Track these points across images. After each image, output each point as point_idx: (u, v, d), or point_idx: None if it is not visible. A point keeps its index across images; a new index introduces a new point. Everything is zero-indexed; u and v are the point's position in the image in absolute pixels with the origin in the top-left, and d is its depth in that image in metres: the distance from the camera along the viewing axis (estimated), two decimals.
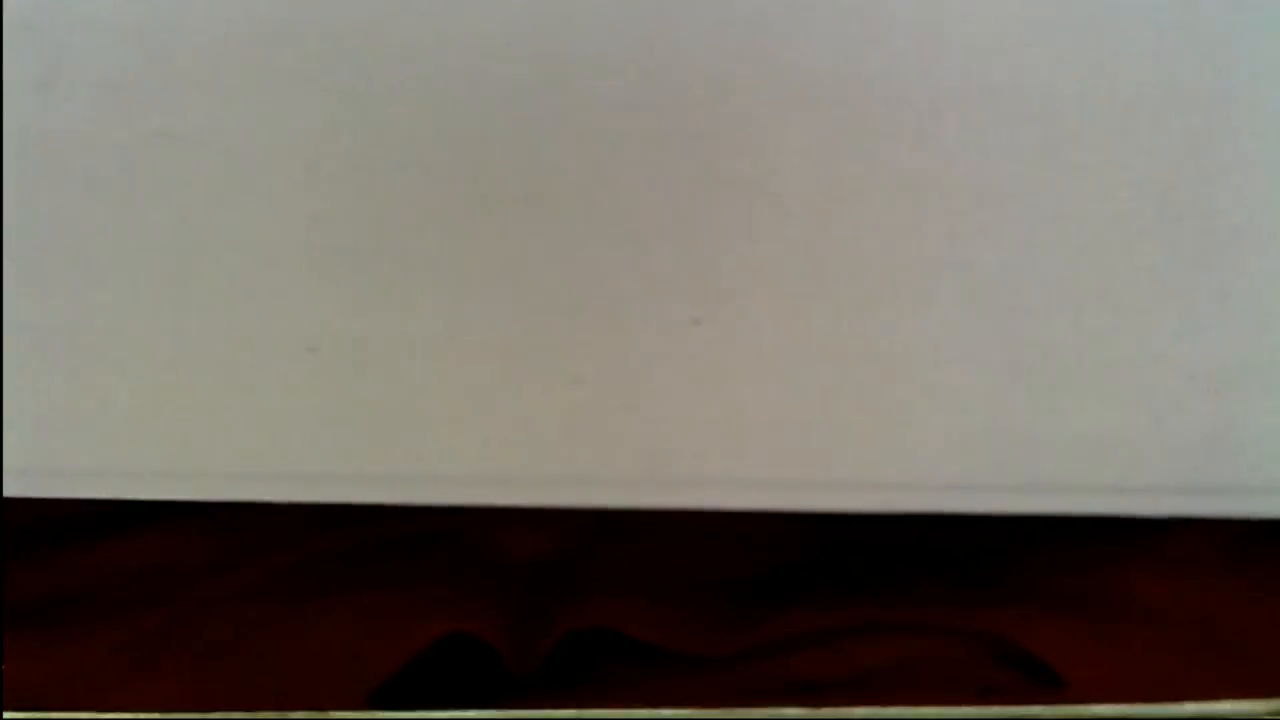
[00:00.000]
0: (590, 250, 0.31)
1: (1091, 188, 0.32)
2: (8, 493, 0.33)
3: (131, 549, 0.38)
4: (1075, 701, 0.36)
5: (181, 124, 0.30)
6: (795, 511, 0.33)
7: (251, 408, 0.32)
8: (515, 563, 0.39)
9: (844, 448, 0.32)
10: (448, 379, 0.32)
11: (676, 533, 0.40)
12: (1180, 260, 0.32)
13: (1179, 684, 0.36)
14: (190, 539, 0.38)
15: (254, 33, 0.30)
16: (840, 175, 0.31)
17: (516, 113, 0.31)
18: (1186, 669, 0.36)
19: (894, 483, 0.33)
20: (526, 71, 0.31)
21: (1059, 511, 0.33)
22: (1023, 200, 0.32)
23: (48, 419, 0.32)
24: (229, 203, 0.30)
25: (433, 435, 0.32)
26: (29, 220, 0.30)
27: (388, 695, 0.37)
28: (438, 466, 0.33)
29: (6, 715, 0.35)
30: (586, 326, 0.31)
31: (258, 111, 0.30)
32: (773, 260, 0.31)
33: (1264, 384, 0.33)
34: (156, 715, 0.36)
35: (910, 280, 0.32)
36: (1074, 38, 0.32)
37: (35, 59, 0.29)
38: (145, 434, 0.33)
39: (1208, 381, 0.33)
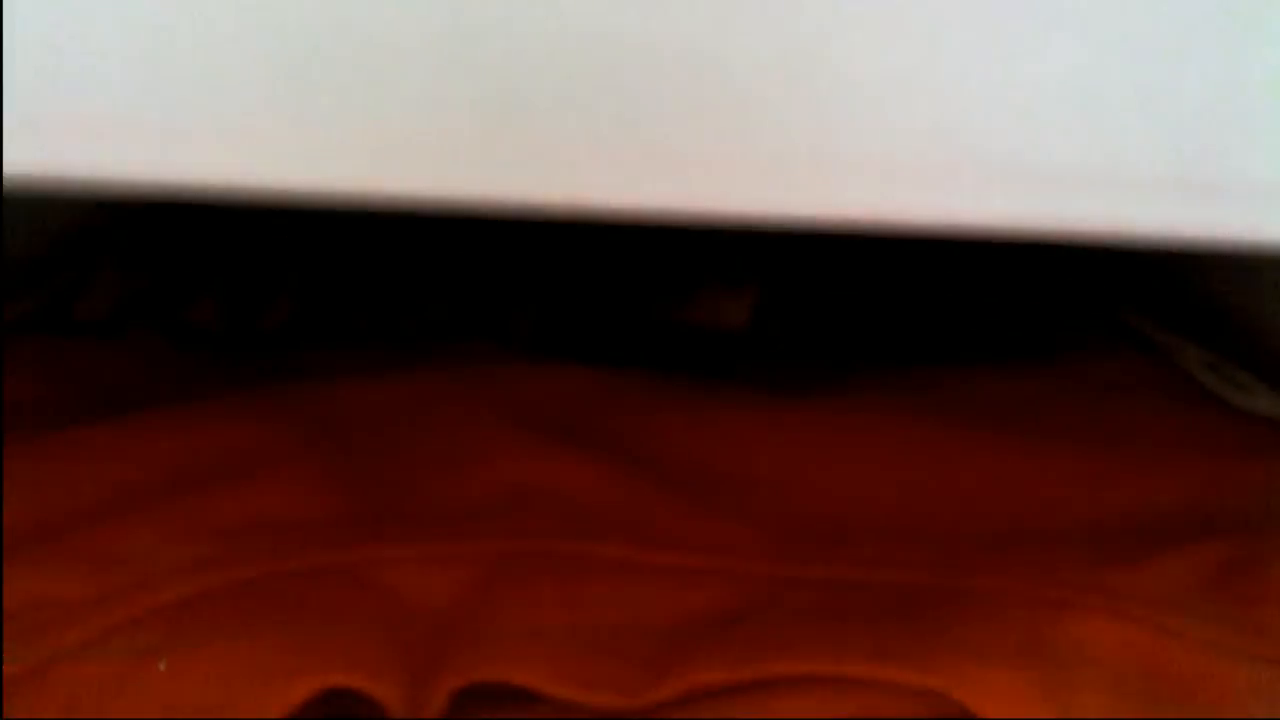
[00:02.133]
0: None
1: None
2: None
3: None
4: None
5: None
6: (711, 214, 0.23)
7: None
8: (405, 607, 0.36)
9: (777, 108, 0.23)
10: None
11: (581, 577, 0.37)
12: None
13: None
14: (57, 579, 0.36)
15: None
16: None
17: None
18: None
19: (840, 170, 0.23)
20: None
21: (1041, 227, 0.24)
22: None
23: None
24: None
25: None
26: None
27: None
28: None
29: None
30: None
31: None
32: None
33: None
34: None
35: None
36: None
37: None
38: None
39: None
